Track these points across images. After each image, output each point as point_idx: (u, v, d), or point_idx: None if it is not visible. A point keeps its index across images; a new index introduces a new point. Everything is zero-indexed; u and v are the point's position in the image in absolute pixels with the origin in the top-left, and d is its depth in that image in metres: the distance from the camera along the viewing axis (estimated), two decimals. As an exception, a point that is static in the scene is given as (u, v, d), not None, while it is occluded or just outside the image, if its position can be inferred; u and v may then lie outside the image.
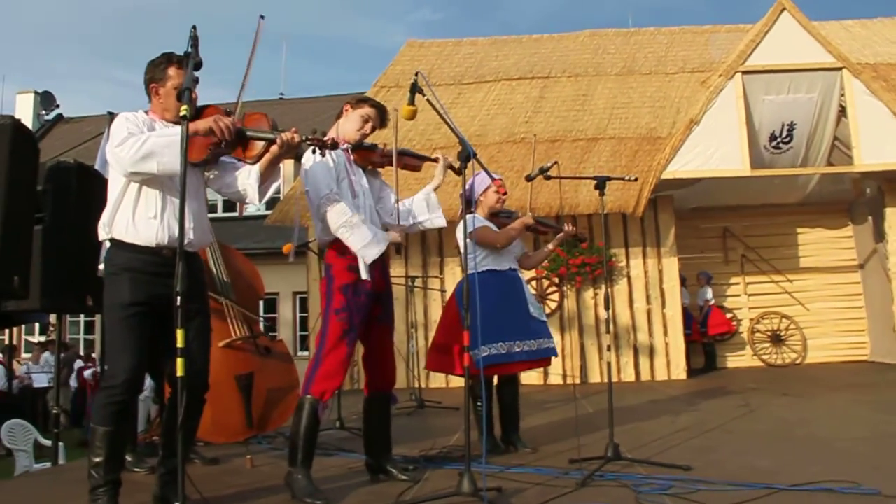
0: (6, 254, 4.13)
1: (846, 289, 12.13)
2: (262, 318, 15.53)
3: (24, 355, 16.19)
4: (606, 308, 4.40)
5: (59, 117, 23.14)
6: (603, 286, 10.58)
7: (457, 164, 3.92)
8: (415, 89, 3.77)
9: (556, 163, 4.80)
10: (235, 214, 17.81)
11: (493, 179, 4.59)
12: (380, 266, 3.86)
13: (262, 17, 3.22)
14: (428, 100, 3.75)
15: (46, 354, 12.79)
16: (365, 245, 3.67)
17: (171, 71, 3.32)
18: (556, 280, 10.63)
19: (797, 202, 12.04)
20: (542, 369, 10.23)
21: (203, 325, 3.37)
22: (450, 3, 72.64)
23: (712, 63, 12.30)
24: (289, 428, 3.69)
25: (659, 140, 10.79)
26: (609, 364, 4.51)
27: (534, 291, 10.49)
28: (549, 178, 4.77)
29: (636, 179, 5.66)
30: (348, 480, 3.92)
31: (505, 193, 4.90)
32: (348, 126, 3.95)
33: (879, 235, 11.03)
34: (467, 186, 4.92)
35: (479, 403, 4.83)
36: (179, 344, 2.71)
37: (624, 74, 12.55)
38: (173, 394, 2.83)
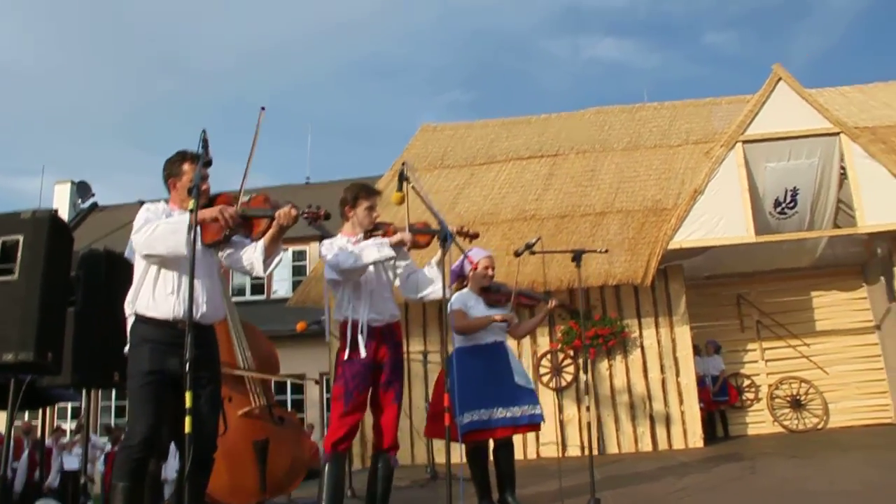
0: (42, 333, 4.54)
1: (865, 350, 12.10)
2: (288, 398, 15.95)
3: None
4: (585, 371, 4.69)
5: (94, 206, 23.93)
6: (618, 356, 10.74)
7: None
8: (402, 178, 4.21)
9: (539, 238, 5.19)
10: (263, 297, 18.27)
11: (468, 257, 4.97)
12: (381, 338, 4.37)
13: (262, 108, 3.66)
14: (412, 187, 4.19)
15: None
16: (368, 254, 4.22)
17: (186, 167, 3.78)
18: (571, 353, 10.80)
19: (810, 266, 12.15)
20: (560, 441, 10.40)
21: (214, 392, 3.74)
22: (479, 85, 74.90)
23: (715, 134, 12.66)
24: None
25: (665, 211, 11.08)
26: (589, 424, 4.78)
27: (549, 364, 10.77)
28: (533, 252, 5.15)
29: (606, 251, 5.99)
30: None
31: (487, 268, 5.28)
32: (360, 220, 4.47)
33: (891, 295, 11.15)
34: (454, 266, 5.35)
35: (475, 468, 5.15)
36: (188, 404, 3.08)
37: (630, 149, 12.94)
38: (182, 451, 3.18)
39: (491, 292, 5.32)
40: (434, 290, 4.58)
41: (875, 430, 10.85)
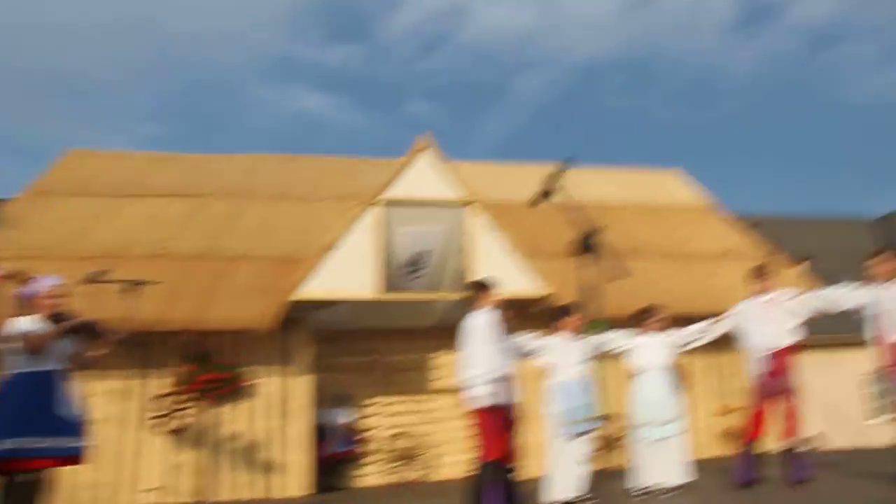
0: None
1: (475, 409, 13.10)
2: None
3: None
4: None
5: None
6: (234, 402, 10.67)
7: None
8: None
9: (107, 270, 5.10)
10: None
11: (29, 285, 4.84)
12: None
13: None
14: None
15: None
16: None
17: None
18: (188, 396, 10.53)
19: (434, 326, 12.96)
20: (170, 486, 10.05)
21: None
22: (173, 120, 73.29)
23: (361, 192, 13.23)
24: None
25: (300, 262, 11.32)
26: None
27: (163, 407, 10.37)
28: (98, 282, 5.05)
29: (159, 283, 6.07)
30: None
31: (56, 296, 5.10)
32: None
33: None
34: (22, 292, 5.12)
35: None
36: None
37: (276, 198, 13.17)
38: None
39: (59, 320, 5.14)
40: None
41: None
